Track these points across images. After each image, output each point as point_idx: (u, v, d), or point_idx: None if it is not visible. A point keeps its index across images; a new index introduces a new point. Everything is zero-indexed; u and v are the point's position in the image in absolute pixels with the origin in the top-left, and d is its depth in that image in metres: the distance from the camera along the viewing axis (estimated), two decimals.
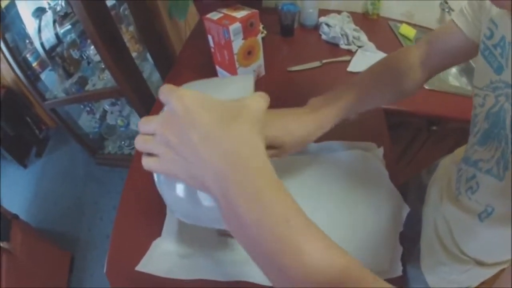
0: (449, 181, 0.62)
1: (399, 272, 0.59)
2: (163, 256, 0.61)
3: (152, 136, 0.32)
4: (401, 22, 1.34)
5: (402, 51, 0.63)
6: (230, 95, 0.34)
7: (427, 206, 0.70)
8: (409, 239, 0.65)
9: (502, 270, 0.56)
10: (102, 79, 1.60)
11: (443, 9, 1.25)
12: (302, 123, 0.53)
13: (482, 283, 0.63)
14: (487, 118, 0.45)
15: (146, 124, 0.32)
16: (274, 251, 0.27)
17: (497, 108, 0.43)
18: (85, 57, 1.69)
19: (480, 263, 0.57)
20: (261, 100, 0.33)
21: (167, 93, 0.30)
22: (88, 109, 2.08)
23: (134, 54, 1.52)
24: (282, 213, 0.27)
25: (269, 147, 0.49)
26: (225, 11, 0.88)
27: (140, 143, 0.33)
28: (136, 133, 0.34)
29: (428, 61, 0.59)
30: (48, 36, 1.65)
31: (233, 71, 0.93)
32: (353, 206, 0.68)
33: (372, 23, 1.33)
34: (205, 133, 0.28)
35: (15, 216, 1.54)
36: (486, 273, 0.60)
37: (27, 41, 1.71)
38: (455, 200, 0.57)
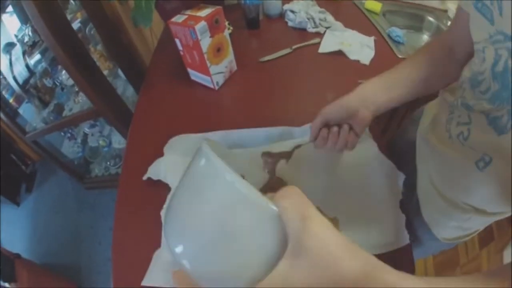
0: (439, 124, 0.61)
1: (406, 240, 0.58)
2: (166, 266, 0.59)
3: None
4: None
5: (438, 41, 0.63)
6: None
7: (418, 156, 0.70)
8: (405, 190, 0.65)
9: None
10: (78, 102, 1.58)
11: None
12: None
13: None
14: (495, 78, 0.43)
15: None
16: None
17: (502, 67, 0.40)
18: (58, 84, 1.67)
19: (479, 212, 0.56)
20: (293, 205, 0.28)
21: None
22: (69, 135, 2.06)
23: (105, 72, 1.51)
24: None
25: None
26: (188, 12, 0.87)
27: None
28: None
29: (458, 48, 0.58)
30: (20, 70, 1.64)
31: (205, 71, 0.92)
32: (347, 185, 0.67)
33: (336, 4, 1.33)
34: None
35: (17, 256, 1.54)
36: (489, 220, 0.60)
37: (1, 76, 1.68)
38: (447, 142, 0.56)
